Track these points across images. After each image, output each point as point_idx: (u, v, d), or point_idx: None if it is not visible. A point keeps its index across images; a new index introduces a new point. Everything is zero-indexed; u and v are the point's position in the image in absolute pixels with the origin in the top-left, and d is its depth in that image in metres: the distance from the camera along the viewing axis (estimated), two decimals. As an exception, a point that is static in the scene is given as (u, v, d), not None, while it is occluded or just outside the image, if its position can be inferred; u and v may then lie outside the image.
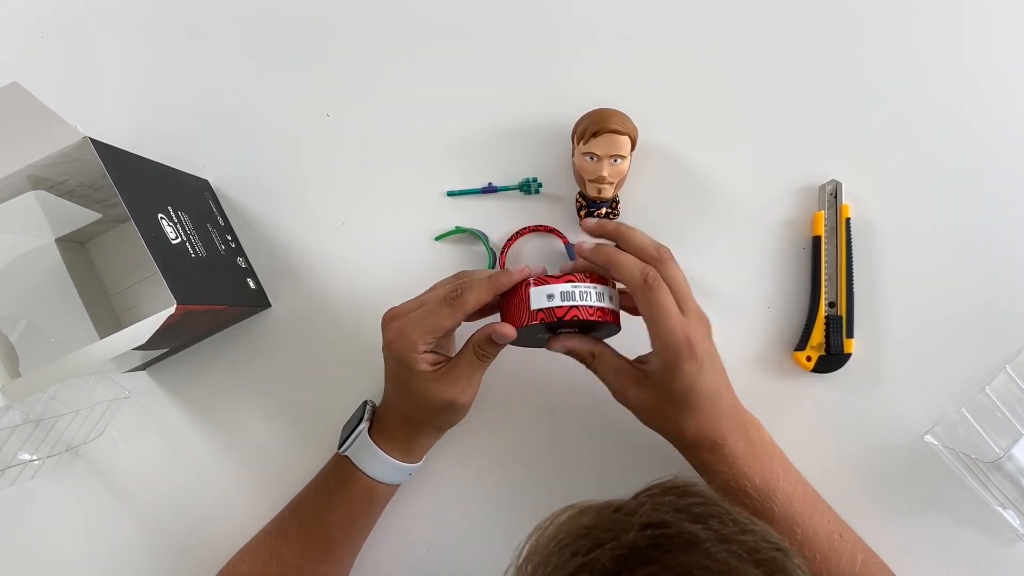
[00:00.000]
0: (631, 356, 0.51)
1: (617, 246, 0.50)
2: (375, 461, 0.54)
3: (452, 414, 0.53)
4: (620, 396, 0.50)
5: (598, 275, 0.49)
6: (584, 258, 0.50)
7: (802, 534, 0.48)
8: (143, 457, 0.62)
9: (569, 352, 0.51)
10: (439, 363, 0.51)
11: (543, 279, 0.48)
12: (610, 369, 0.50)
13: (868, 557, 0.50)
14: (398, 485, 0.57)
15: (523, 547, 0.32)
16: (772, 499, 0.48)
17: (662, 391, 0.48)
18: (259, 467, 0.62)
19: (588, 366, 0.51)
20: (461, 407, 0.52)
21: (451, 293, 0.48)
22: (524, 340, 0.50)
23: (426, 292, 0.52)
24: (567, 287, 0.47)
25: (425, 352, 0.49)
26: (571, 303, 0.47)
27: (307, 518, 0.55)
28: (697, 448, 0.49)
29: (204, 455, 0.62)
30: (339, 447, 0.55)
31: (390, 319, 0.51)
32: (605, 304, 0.48)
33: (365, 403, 0.56)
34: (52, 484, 0.62)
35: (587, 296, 0.48)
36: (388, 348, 0.50)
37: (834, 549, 0.49)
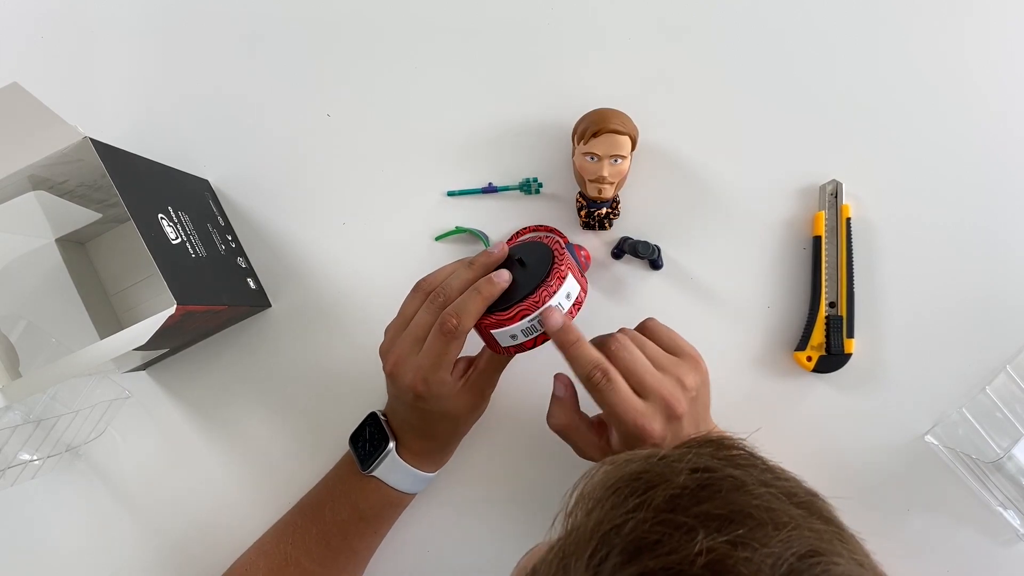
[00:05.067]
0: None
1: None
2: (405, 477, 0.54)
3: (475, 415, 0.55)
4: (585, 457, 0.51)
5: (564, 265, 0.48)
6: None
7: None
8: (143, 457, 0.62)
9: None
10: (464, 372, 0.52)
11: (502, 320, 0.47)
12: (579, 440, 0.51)
13: None
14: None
15: (570, 495, 0.33)
16: None
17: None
18: (259, 467, 0.62)
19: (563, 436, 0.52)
20: (484, 406, 0.55)
21: (447, 324, 0.47)
22: None
23: (404, 315, 0.51)
24: (526, 324, 0.47)
25: (451, 375, 0.50)
26: (535, 334, 0.48)
27: (328, 530, 0.55)
28: None
29: (204, 455, 0.62)
30: (363, 466, 0.54)
31: (397, 362, 0.50)
32: (566, 309, 0.48)
33: (375, 416, 0.56)
34: (52, 484, 0.62)
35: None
36: (416, 395, 0.49)
37: None
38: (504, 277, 0.48)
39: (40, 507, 0.62)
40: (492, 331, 0.48)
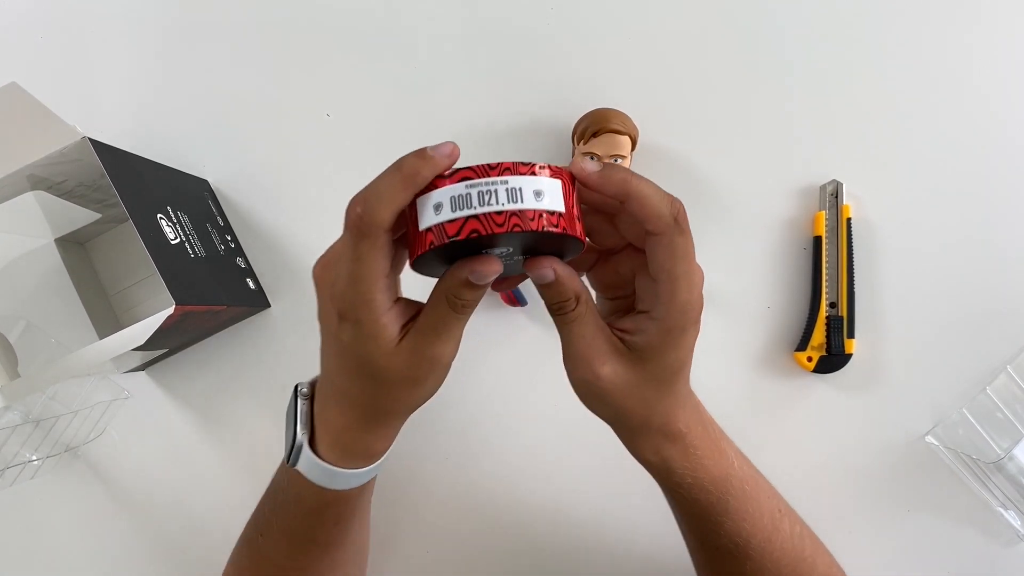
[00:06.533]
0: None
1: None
2: (332, 477, 0.41)
3: (426, 385, 0.38)
4: (588, 368, 0.36)
5: (552, 168, 0.31)
6: (588, 185, 0.33)
7: (750, 523, 0.42)
8: (142, 457, 0.62)
9: (549, 284, 0.34)
10: (408, 319, 0.36)
11: (438, 181, 0.31)
12: (588, 331, 0.35)
13: (802, 529, 0.46)
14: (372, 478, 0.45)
15: None
16: (728, 491, 0.41)
17: (647, 366, 0.36)
18: (258, 467, 0.61)
19: (563, 316, 0.35)
20: (439, 374, 0.38)
21: (350, 214, 0.33)
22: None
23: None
24: (462, 188, 0.30)
25: (389, 309, 0.35)
26: (467, 213, 0.30)
27: (274, 542, 0.48)
28: (660, 438, 0.39)
29: (203, 455, 0.62)
30: (286, 455, 0.43)
31: (324, 265, 0.38)
32: (526, 206, 0.30)
33: (296, 389, 0.43)
34: (52, 484, 0.62)
35: (492, 197, 0.30)
36: (339, 316, 0.36)
37: (776, 527, 0.44)
38: (443, 151, 0.31)
39: (40, 507, 0.62)
40: (418, 198, 0.31)
